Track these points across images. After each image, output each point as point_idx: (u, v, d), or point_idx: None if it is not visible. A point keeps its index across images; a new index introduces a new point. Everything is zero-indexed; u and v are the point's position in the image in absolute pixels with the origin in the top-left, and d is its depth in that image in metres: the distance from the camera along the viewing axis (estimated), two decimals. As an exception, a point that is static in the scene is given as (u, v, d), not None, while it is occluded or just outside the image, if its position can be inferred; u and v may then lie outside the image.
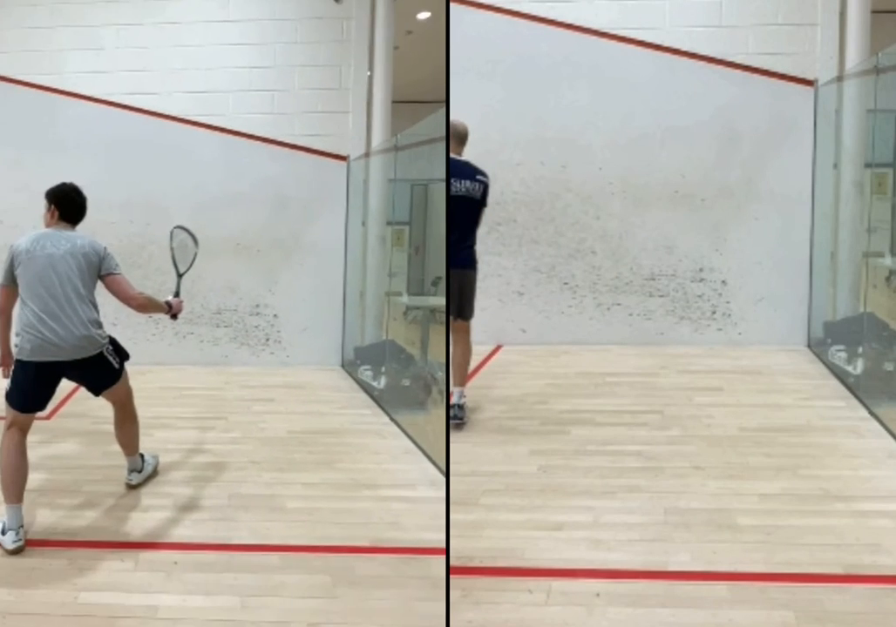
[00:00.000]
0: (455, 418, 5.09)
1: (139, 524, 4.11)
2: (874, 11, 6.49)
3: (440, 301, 6.17)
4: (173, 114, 7.72)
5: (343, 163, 7.76)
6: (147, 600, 3.35)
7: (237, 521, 4.15)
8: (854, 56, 6.48)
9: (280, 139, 7.74)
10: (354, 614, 3.27)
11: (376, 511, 4.28)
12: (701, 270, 7.09)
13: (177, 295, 4.68)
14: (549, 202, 7.19)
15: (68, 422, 5.69)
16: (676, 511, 3.92)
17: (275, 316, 7.88)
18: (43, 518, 4.14)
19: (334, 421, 5.98)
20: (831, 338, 6.47)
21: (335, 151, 7.75)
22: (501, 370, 6.49)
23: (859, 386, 5.66)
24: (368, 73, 7.71)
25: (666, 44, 6.87)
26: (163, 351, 7.72)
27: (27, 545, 3.79)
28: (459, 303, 5.17)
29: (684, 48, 6.87)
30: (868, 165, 6.16)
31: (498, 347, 7.09)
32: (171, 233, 4.94)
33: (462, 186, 5.11)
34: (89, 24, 7.70)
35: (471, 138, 5.28)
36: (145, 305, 4.34)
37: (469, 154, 5.27)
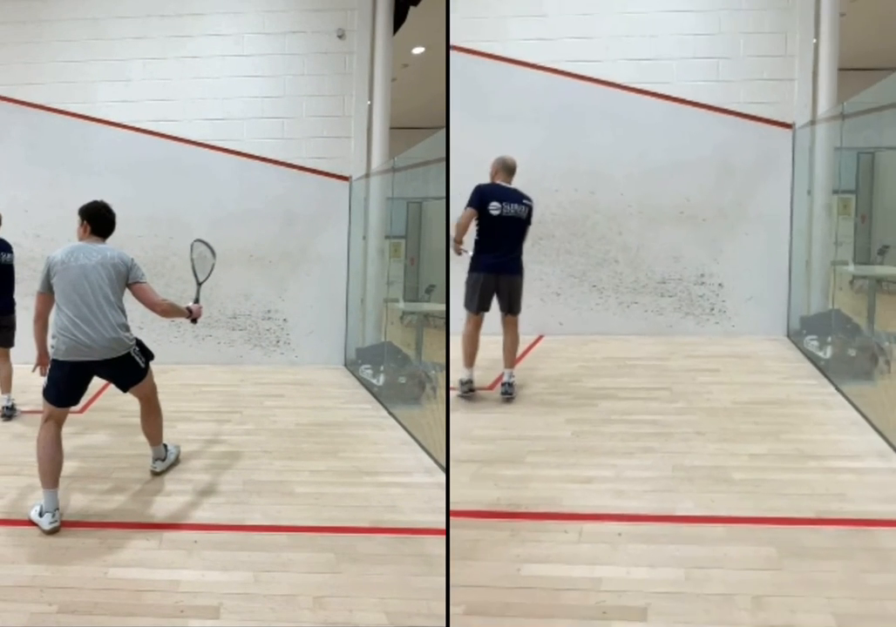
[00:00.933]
0: (506, 394, 5.58)
1: (163, 507, 4.12)
2: (840, 69, 7.31)
3: (433, 307, 6.16)
4: (193, 139, 7.72)
5: (346, 183, 7.76)
6: (170, 575, 3.36)
7: (251, 504, 4.16)
8: (824, 104, 7.21)
9: (289, 161, 7.74)
10: (356, 588, 3.28)
11: (376, 495, 4.29)
12: (702, 275, 7.77)
13: (196, 301, 4.68)
14: (580, 221, 7.87)
15: (99, 416, 5.69)
16: (682, 467, 4.30)
17: (284, 320, 7.88)
18: (76, 501, 4.16)
19: (338, 414, 5.98)
20: (806, 330, 7.02)
21: (339, 172, 7.75)
22: (543, 355, 7.01)
23: (828, 368, 6.14)
24: (368, 103, 7.72)
25: (674, 95, 7.60)
26: (184, 351, 7.72)
27: (62, 526, 3.80)
28: (510, 302, 5.63)
29: (689, 98, 7.59)
30: (835, 192, 6.80)
31: (540, 337, 7.63)
32: (192, 245, 4.96)
33: (511, 209, 5.54)
34: (118, 58, 7.71)
35: (518, 170, 5.80)
36: (168, 310, 4.35)
37: (517, 183, 5.77)
